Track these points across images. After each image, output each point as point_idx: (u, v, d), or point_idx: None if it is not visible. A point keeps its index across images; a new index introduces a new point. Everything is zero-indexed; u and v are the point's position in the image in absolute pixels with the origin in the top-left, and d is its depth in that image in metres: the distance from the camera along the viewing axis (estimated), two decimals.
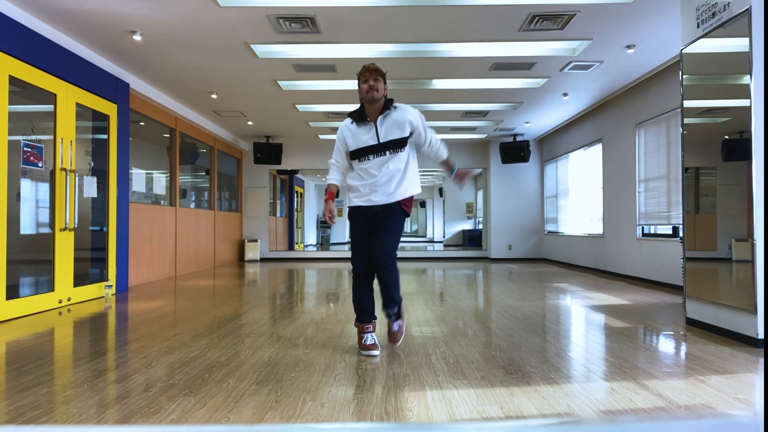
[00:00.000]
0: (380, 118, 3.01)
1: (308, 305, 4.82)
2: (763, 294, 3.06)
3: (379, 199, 3.04)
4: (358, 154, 3.04)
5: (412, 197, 3.12)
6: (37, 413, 2.04)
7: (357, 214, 3.10)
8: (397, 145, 3.01)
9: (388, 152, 3.01)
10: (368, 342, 3.01)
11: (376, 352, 2.97)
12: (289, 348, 3.12)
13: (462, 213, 18.01)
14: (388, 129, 3.00)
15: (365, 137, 3.02)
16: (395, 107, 3.05)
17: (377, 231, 3.04)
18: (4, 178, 4.04)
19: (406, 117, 3.02)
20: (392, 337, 3.15)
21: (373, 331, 3.07)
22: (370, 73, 2.96)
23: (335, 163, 3.16)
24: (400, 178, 3.04)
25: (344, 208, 20.87)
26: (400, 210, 3.07)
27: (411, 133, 3.04)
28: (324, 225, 20.32)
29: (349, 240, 3.27)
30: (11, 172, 4.16)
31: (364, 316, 3.09)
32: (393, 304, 3.08)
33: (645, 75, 6.16)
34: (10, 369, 2.68)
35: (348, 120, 3.11)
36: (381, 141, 3.00)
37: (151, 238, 6.85)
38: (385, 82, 3.01)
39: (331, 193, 3.11)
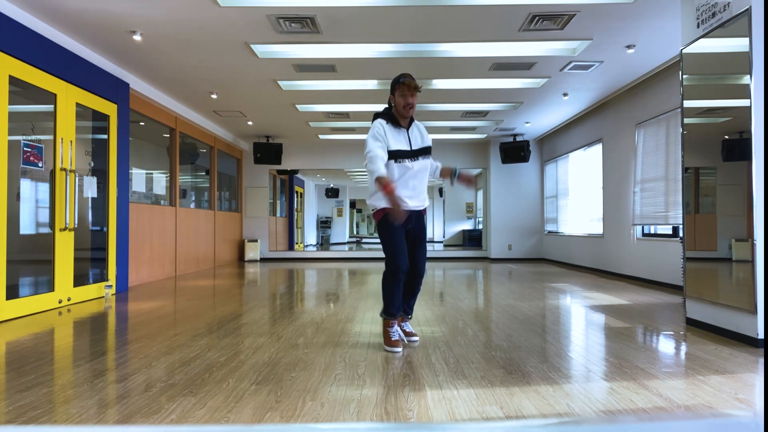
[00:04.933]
0: (411, 127, 3.20)
1: (308, 305, 4.82)
2: (763, 294, 3.06)
3: (415, 204, 3.17)
4: (395, 156, 3.08)
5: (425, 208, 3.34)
6: (37, 413, 2.04)
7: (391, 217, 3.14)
8: (427, 152, 3.21)
9: (420, 158, 3.14)
10: (394, 338, 3.10)
11: (399, 349, 3.04)
12: (289, 348, 3.12)
13: (462, 213, 18.01)
14: (416, 137, 3.19)
15: (400, 141, 3.12)
16: (415, 122, 3.25)
17: (417, 243, 3.20)
18: (4, 178, 4.04)
19: (425, 132, 3.26)
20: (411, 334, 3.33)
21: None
22: (409, 89, 3.06)
23: (381, 156, 3.00)
24: (425, 186, 3.25)
25: (344, 207, 20.87)
26: (424, 220, 3.28)
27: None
28: (324, 225, 20.33)
29: (390, 240, 3.07)
30: (11, 172, 4.16)
31: (397, 311, 3.15)
32: (412, 309, 3.38)
33: (645, 75, 6.16)
34: (10, 369, 2.68)
35: (383, 120, 3.14)
36: (413, 148, 3.14)
37: (151, 238, 6.85)
38: None
39: (389, 183, 2.89)
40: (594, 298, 5.23)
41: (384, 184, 2.88)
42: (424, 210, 3.27)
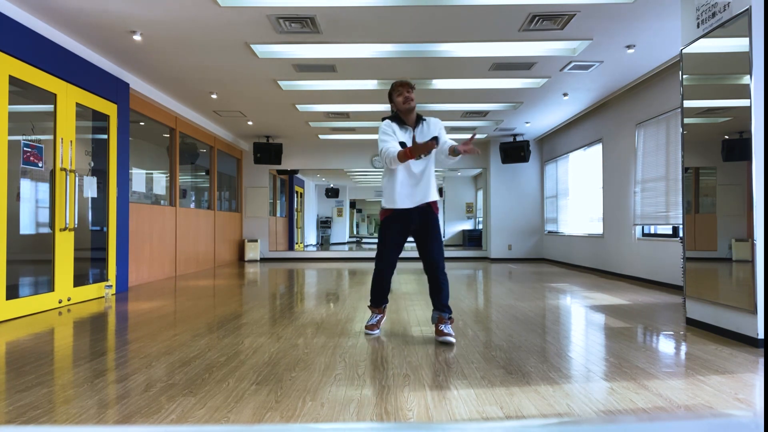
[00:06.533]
0: (418, 125, 3.38)
1: (308, 305, 4.82)
2: (763, 294, 3.06)
3: (419, 199, 3.33)
4: None
5: (436, 201, 3.46)
6: (37, 413, 2.04)
7: (392, 220, 3.40)
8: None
9: (422, 155, 3.27)
10: (371, 322, 3.55)
11: (376, 332, 3.50)
12: (289, 348, 3.12)
13: (462, 213, 18.02)
14: (423, 135, 3.35)
15: (406, 139, 3.33)
16: (425, 120, 3.43)
17: (426, 239, 3.36)
18: (4, 178, 4.04)
19: (438, 126, 3.42)
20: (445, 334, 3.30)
21: (381, 314, 3.59)
22: (402, 86, 3.33)
23: (394, 146, 3.22)
24: (431, 181, 3.39)
25: (344, 207, 20.87)
26: (434, 214, 3.43)
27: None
28: (324, 225, 20.32)
29: (383, 238, 3.44)
30: (11, 172, 4.16)
31: (380, 301, 3.56)
32: (447, 307, 3.35)
33: (645, 75, 6.16)
34: (10, 369, 2.68)
35: (388, 120, 3.38)
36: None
37: (151, 238, 6.85)
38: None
39: (407, 150, 3.14)
40: (594, 298, 5.23)
41: (405, 153, 3.12)
42: (434, 204, 3.41)
